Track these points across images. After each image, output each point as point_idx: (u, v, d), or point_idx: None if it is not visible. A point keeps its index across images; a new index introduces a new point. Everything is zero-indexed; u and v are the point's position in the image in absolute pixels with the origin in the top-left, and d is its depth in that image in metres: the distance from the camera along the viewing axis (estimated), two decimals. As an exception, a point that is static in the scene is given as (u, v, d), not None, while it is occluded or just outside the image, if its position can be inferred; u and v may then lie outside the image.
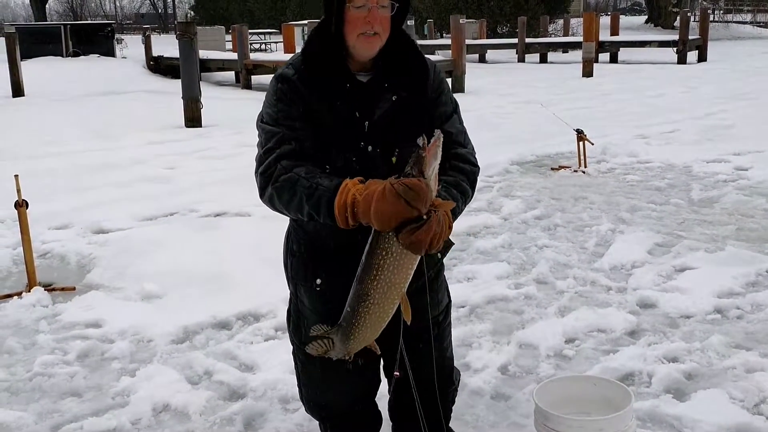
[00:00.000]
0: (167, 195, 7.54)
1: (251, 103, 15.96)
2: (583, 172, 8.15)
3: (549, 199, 7.04)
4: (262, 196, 2.17)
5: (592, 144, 8.34)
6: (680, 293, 4.51)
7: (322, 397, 2.38)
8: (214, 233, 6.04)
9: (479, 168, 2.32)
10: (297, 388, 3.41)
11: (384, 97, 2.17)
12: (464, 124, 2.34)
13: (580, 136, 8.17)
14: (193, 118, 12.43)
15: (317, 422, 2.61)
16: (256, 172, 2.18)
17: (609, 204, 6.84)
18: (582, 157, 8.27)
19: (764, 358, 3.52)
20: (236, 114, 13.82)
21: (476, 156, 2.32)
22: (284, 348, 3.92)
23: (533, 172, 8.39)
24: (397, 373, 2.20)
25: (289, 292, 2.46)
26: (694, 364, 3.53)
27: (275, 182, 2.09)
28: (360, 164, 2.16)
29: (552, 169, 8.44)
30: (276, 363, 3.75)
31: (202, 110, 12.54)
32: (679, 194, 7.16)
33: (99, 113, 14.55)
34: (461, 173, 2.21)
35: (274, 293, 4.67)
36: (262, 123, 2.19)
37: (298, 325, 2.38)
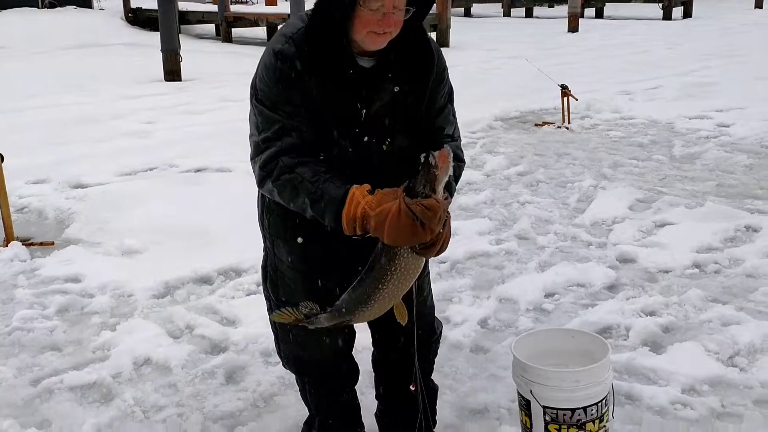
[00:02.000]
0: (147, 150, 7.44)
1: (232, 57, 15.69)
2: (567, 128, 8.13)
3: (532, 155, 7.03)
4: (260, 186, 2.12)
5: (576, 99, 8.31)
6: (660, 248, 4.55)
7: (299, 353, 2.37)
8: (196, 189, 5.99)
9: (465, 163, 2.29)
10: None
11: (386, 87, 2.09)
12: (455, 115, 2.29)
13: (565, 91, 8.13)
14: (172, 72, 12.21)
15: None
16: (252, 159, 2.10)
17: (591, 160, 6.85)
18: (566, 113, 8.25)
19: (740, 312, 3.57)
20: (217, 68, 13.60)
21: (463, 150, 2.31)
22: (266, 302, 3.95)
23: (517, 128, 8.36)
24: (412, 387, 2.25)
25: (264, 249, 2.43)
26: (671, 318, 3.58)
27: (276, 180, 2.03)
28: (354, 152, 2.12)
29: (536, 125, 8.41)
30: (257, 317, 3.75)
31: (181, 64, 12.30)
32: (661, 150, 7.18)
33: (76, 66, 14.24)
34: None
35: (257, 249, 4.59)
36: (258, 102, 2.07)
37: (275, 281, 2.36)
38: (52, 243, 4.91)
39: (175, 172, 6.64)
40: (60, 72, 13.46)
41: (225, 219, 5.20)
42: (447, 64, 2.26)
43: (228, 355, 3.41)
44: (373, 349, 2.59)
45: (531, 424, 2.36)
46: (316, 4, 2.04)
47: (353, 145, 2.11)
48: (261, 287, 4.15)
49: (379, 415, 2.65)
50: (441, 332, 2.55)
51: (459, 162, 2.22)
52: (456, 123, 2.28)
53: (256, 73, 2.11)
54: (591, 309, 3.75)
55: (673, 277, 4.13)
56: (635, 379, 3.06)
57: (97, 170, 6.52)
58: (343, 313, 2.09)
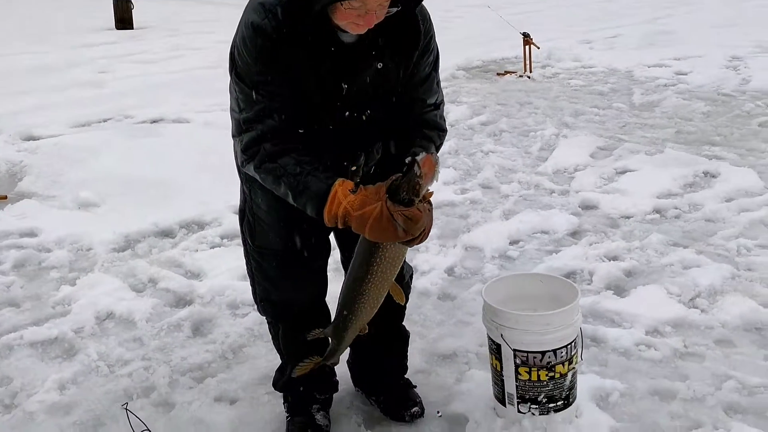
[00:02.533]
0: (100, 100, 7.21)
1: (186, 4, 15.22)
2: (529, 77, 8.11)
3: (495, 105, 7.01)
4: (241, 167, 2.09)
5: (538, 48, 8.27)
6: (621, 194, 4.60)
7: (278, 296, 2.33)
8: (153, 140, 5.83)
9: (446, 131, 2.24)
10: (248, 292, 3.42)
11: (368, 63, 2.02)
12: (439, 82, 2.22)
13: (527, 39, 8.08)
14: (123, 20, 11.81)
15: (267, 326, 2.57)
16: (233, 137, 2.05)
17: (553, 109, 6.85)
18: (528, 62, 8.21)
19: (700, 255, 3.64)
20: (169, 15, 13.17)
21: (445, 117, 2.25)
22: (231, 255, 3.89)
23: (479, 77, 8.31)
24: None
25: (242, 192, 2.36)
26: (633, 262, 3.63)
27: (258, 167, 2.00)
28: (334, 125, 2.08)
29: (498, 74, 8.37)
30: (223, 270, 3.71)
31: (133, 11, 11.87)
32: (621, 98, 7.22)
33: (22, 15, 13.63)
34: (430, 142, 2.13)
35: (219, 201, 4.58)
36: (238, 78, 1.98)
37: (252, 226, 2.30)
38: (5, 197, 4.74)
39: (130, 123, 6.45)
40: (5, 20, 12.88)
41: (184, 171, 5.08)
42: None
43: (194, 308, 3.36)
44: None
45: (501, 368, 2.38)
46: None
47: (333, 118, 2.08)
48: (225, 240, 4.14)
49: (351, 362, 2.65)
50: (411, 277, 2.53)
51: (440, 131, 2.19)
52: (440, 89, 2.22)
53: (234, 43, 2.01)
54: (555, 255, 3.79)
55: (634, 223, 4.19)
56: (600, 322, 3.11)
57: (49, 121, 6.31)
58: (345, 315, 2.08)
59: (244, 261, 3.78)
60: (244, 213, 2.34)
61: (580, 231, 4.12)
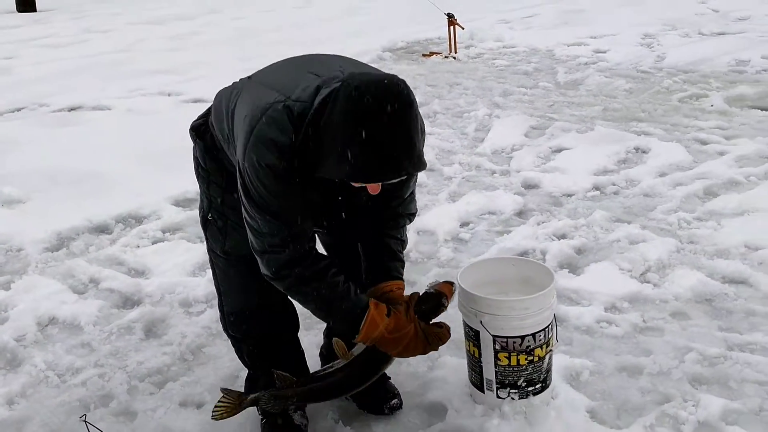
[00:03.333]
0: (10, 88, 6.77)
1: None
2: (454, 58, 8.15)
3: (425, 86, 7.01)
4: (268, 278, 2.04)
5: (463, 29, 8.32)
6: (560, 173, 4.69)
7: (248, 303, 2.23)
8: (74, 129, 5.53)
9: (416, 213, 2.36)
10: (200, 288, 3.30)
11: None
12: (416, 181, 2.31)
13: (451, 20, 8.11)
14: (25, 2, 11.10)
15: (229, 334, 2.44)
16: (257, 252, 2.00)
17: (482, 89, 6.92)
18: (453, 43, 8.25)
19: (644, 230, 3.75)
20: (75, -3, 12.49)
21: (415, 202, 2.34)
22: (177, 250, 3.74)
23: (405, 59, 8.29)
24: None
25: (204, 198, 2.23)
26: (582, 240, 3.70)
27: (289, 288, 2.04)
28: (334, 225, 2.23)
29: (423, 55, 8.37)
30: (170, 266, 3.55)
31: (34, -8, 11.19)
32: (546, 78, 7.36)
33: None
34: (400, 243, 2.28)
35: (155, 193, 4.38)
36: (257, 207, 1.93)
37: (224, 230, 2.18)
38: None
39: (46, 112, 6.10)
40: None
41: (112, 161, 4.85)
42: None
43: (144, 308, 3.20)
44: None
45: (480, 354, 2.37)
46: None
47: (335, 222, 2.22)
48: (167, 234, 3.96)
49: (324, 353, 2.59)
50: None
51: (411, 217, 2.31)
52: (414, 191, 2.29)
53: (245, 172, 1.92)
54: (506, 236, 3.82)
55: (576, 201, 4.27)
56: (560, 301, 3.14)
57: (-45, 113, 5.87)
58: (315, 394, 2.18)
59: (190, 255, 3.69)
60: (207, 220, 2.22)
61: (525, 210, 4.17)
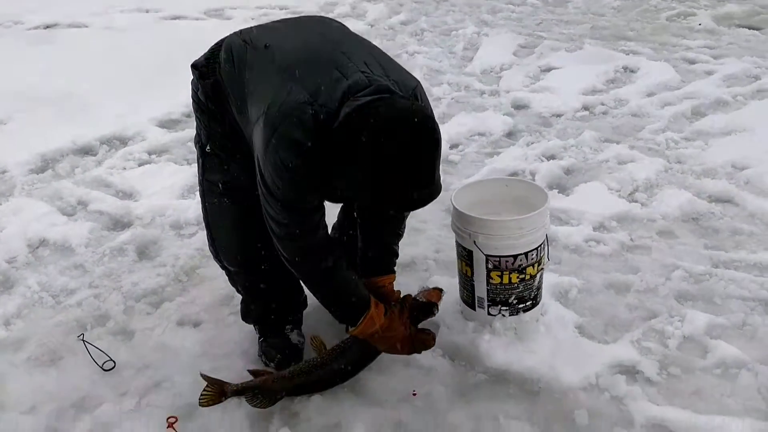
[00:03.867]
0: (-20, 5, 6.50)
1: None
2: (441, -27, 7.92)
3: (411, 3, 6.85)
4: (286, 261, 2.07)
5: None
6: (549, 93, 4.66)
7: (242, 237, 2.21)
8: (51, 48, 5.37)
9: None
10: (191, 211, 3.29)
11: None
12: None
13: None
14: None
15: (223, 266, 2.44)
16: (275, 236, 2.02)
17: (470, 6, 6.77)
18: (439, -44, 7.99)
19: (633, 150, 3.77)
20: None
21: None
22: (164, 173, 3.71)
23: (389, -27, 8.04)
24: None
25: (200, 126, 2.19)
26: (571, 160, 3.72)
27: (305, 275, 2.11)
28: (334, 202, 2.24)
29: (409, -31, 8.12)
30: (157, 188, 3.53)
31: None
32: (533, -6, 7.20)
33: None
34: (398, 237, 2.35)
35: (138, 114, 4.31)
36: (272, 196, 1.92)
37: (226, 162, 2.13)
38: None
39: (21, 30, 5.89)
40: None
41: (92, 81, 4.74)
42: None
43: (135, 230, 3.19)
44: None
45: (472, 273, 2.41)
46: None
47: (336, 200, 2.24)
48: (153, 156, 3.92)
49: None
50: None
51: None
52: None
53: (265, 166, 1.89)
54: (496, 157, 3.82)
55: (566, 121, 4.27)
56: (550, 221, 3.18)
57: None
58: (298, 386, 2.20)
59: (178, 178, 3.66)
60: (205, 152, 2.17)
61: (515, 131, 4.16)
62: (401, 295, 2.34)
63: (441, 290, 2.41)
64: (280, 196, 1.91)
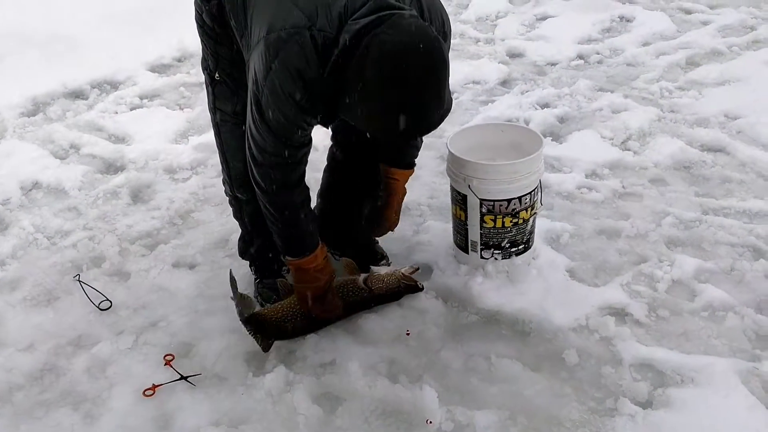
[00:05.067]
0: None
1: None
2: None
3: (405, -53, 6.70)
4: (257, 185, 2.04)
5: None
6: (544, 41, 4.62)
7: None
8: (38, -10, 5.23)
9: None
10: (185, 155, 3.29)
11: None
12: None
13: None
14: None
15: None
16: (252, 158, 1.98)
17: (464, -48, 6.63)
18: None
19: (627, 99, 3.76)
20: None
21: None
22: (156, 117, 3.69)
23: None
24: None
25: (207, 52, 2.14)
26: (566, 108, 3.71)
27: (270, 204, 2.04)
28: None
29: None
30: (150, 133, 3.51)
31: None
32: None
33: None
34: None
35: (130, 57, 4.25)
36: (263, 122, 1.87)
37: (235, 91, 2.11)
38: None
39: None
40: None
41: (85, 22, 4.65)
42: None
43: (128, 173, 3.19)
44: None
45: (466, 217, 2.43)
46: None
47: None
48: (145, 101, 3.89)
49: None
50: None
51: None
52: None
53: (262, 92, 1.83)
54: (490, 105, 3.81)
55: (560, 69, 4.24)
56: (542, 169, 3.20)
57: None
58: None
59: (171, 123, 3.64)
60: (214, 79, 2.13)
61: (510, 80, 4.14)
62: (372, 272, 2.37)
63: (418, 269, 2.44)
64: (273, 124, 1.87)
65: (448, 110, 1.84)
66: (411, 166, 2.35)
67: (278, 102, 1.82)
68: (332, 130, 2.40)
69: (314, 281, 2.16)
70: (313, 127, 1.95)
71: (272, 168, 1.97)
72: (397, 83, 1.69)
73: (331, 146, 2.50)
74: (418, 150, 2.35)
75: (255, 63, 1.84)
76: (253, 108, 1.88)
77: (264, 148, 1.93)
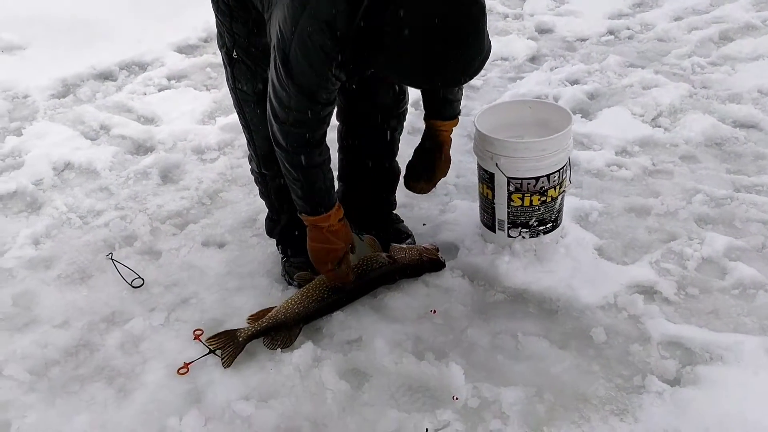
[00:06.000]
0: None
1: None
2: None
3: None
4: (277, 145, 2.01)
5: None
6: (574, 16, 4.56)
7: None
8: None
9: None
10: (212, 136, 3.31)
11: None
12: None
13: None
14: None
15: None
16: (274, 116, 1.95)
17: (493, -74, 6.53)
18: None
19: (657, 75, 3.70)
20: None
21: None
22: (184, 98, 3.72)
23: None
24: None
25: (223, 31, 2.14)
26: (595, 85, 3.66)
27: (291, 164, 2.01)
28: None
29: None
30: (178, 114, 3.54)
31: None
32: None
33: None
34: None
35: (156, 39, 4.28)
36: (290, 77, 1.82)
37: (254, 71, 2.12)
38: None
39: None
40: None
41: (112, 5, 4.68)
42: None
43: (158, 154, 3.23)
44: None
45: (493, 196, 2.42)
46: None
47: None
48: (173, 82, 3.92)
49: (340, 198, 2.61)
50: (406, 102, 2.47)
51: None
52: None
53: (291, 44, 1.78)
54: (519, 82, 3.77)
55: (590, 45, 4.18)
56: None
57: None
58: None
59: (198, 104, 3.67)
60: (232, 58, 2.13)
61: (539, 56, 4.09)
62: (393, 246, 2.39)
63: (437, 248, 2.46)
64: (300, 78, 1.83)
65: (488, 55, 1.81)
66: (455, 116, 2.34)
67: (307, 54, 1.79)
68: (337, 106, 2.38)
69: (327, 242, 2.14)
70: (338, 84, 1.91)
71: (294, 125, 1.94)
72: (437, 32, 1.65)
73: (338, 126, 2.50)
74: (460, 102, 2.32)
75: (279, 17, 1.80)
76: (279, 63, 1.84)
77: (288, 105, 1.89)
